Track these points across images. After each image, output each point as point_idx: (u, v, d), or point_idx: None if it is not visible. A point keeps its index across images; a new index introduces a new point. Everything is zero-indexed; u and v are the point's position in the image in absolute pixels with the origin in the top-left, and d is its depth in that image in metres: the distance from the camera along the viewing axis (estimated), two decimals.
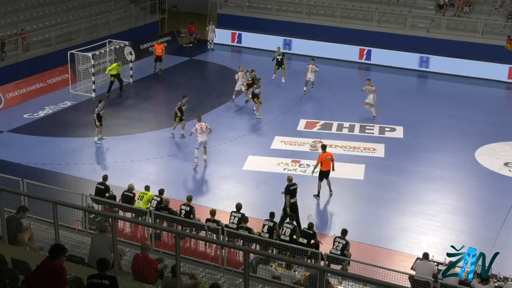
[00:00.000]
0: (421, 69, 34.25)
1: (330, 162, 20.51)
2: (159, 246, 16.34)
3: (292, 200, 18.63)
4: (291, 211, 18.36)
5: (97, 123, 24.37)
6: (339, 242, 16.28)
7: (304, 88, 30.14)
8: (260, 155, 23.92)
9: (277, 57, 31.80)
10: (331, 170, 20.57)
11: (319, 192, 20.74)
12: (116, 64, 29.78)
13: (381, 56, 35.05)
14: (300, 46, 36.43)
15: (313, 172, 20.82)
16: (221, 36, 37.74)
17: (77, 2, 36.35)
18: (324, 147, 21.26)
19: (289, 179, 19.04)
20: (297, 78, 32.20)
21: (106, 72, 29.85)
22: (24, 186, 17.03)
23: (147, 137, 25.64)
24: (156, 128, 26.50)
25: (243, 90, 29.03)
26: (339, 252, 16.06)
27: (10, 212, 13.31)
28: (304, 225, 17.24)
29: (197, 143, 22.65)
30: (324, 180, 20.71)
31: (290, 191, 18.70)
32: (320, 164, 20.45)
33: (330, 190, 20.92)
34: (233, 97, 29.08)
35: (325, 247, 16.57)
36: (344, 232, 16.54)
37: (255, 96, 27.35)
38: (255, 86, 27.54)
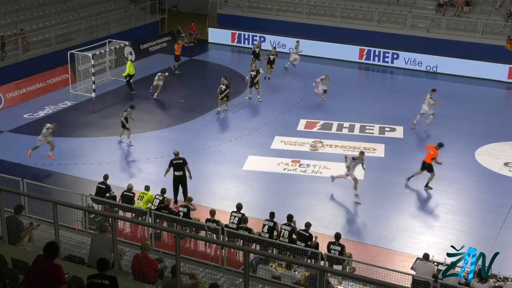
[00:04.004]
0: (421, 69, 34.22)
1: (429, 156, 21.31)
2: (159, 246, 16.33)
3: (176, 173, 20.09)
4: (175, 182, 20.05)
5: (126, 125, 24.37)
6: (334, 250, 16.07)
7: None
8: (260, 155, 23.90)
9: (270, 56, 31.84)
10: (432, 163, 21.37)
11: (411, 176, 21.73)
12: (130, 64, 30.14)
13: (381, 56, 35.07)
14: (300, 46, 36.34)
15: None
16: (221, 36, 37.73)
17: (77, 2, 36.34)
18: (440, 145, 21.88)
19: (175, 153, 20.37)
20: (297, 78, 32.19)
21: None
22: (24, 186, 17.02)
23: (147, 137, 25.64)
24: (156, 128, 26.50)
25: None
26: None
27: (10, 212, 13.31)
28: (301, 225, 17.21)
29: None
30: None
31: (173, 164, 20.16)
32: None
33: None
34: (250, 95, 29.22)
35: (325, 247, 16.52)
36: (338, 236, 16.37)
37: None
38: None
